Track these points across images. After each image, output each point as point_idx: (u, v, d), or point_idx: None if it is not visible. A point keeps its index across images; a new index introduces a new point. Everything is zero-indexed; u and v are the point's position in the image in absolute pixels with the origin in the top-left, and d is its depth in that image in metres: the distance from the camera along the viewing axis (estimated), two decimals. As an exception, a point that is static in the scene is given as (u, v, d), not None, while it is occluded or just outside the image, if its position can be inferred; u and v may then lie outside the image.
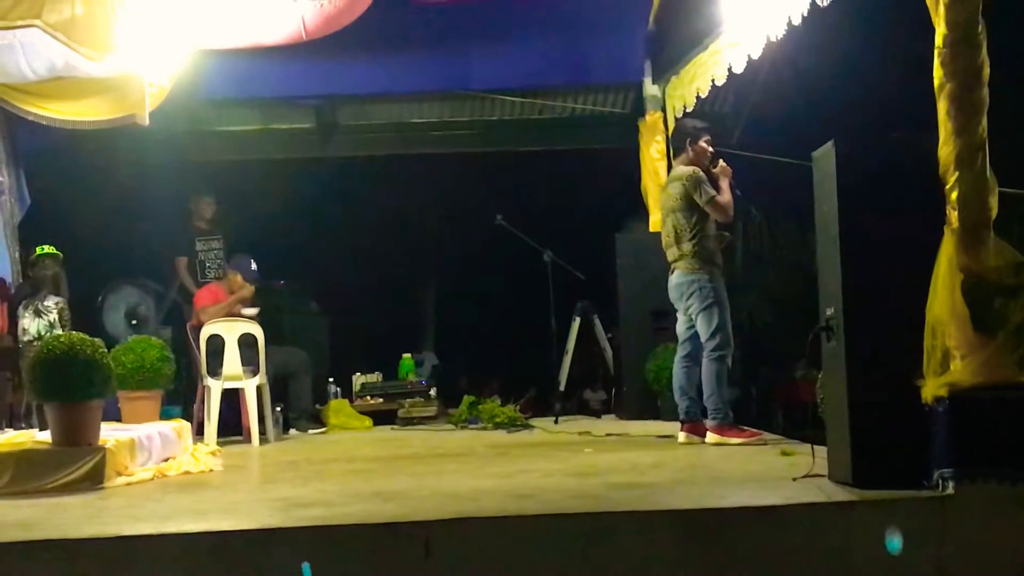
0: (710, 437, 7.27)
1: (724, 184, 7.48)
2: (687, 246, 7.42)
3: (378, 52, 9.73)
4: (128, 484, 6.11)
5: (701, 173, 7.42)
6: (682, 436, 7.45)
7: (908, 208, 4.73)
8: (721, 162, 7.59)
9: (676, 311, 7.62)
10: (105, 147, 9.77)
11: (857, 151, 4.88)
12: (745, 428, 7.47)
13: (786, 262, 15.79)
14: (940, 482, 4.53)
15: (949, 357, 4.52)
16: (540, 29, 10.02)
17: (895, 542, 4.32)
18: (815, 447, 5.36)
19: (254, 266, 9.39)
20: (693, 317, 7.42)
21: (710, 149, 7.62)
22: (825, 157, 4.98)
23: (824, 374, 5.24)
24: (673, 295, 7.55)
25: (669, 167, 9.89)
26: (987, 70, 4.55)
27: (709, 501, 4.90)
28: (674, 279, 7.52)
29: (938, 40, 4.60)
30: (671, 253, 7.54)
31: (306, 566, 4.19)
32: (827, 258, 5.02)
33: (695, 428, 7.39)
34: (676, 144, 7.77)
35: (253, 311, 9.14)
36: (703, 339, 7.36)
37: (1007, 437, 4.48)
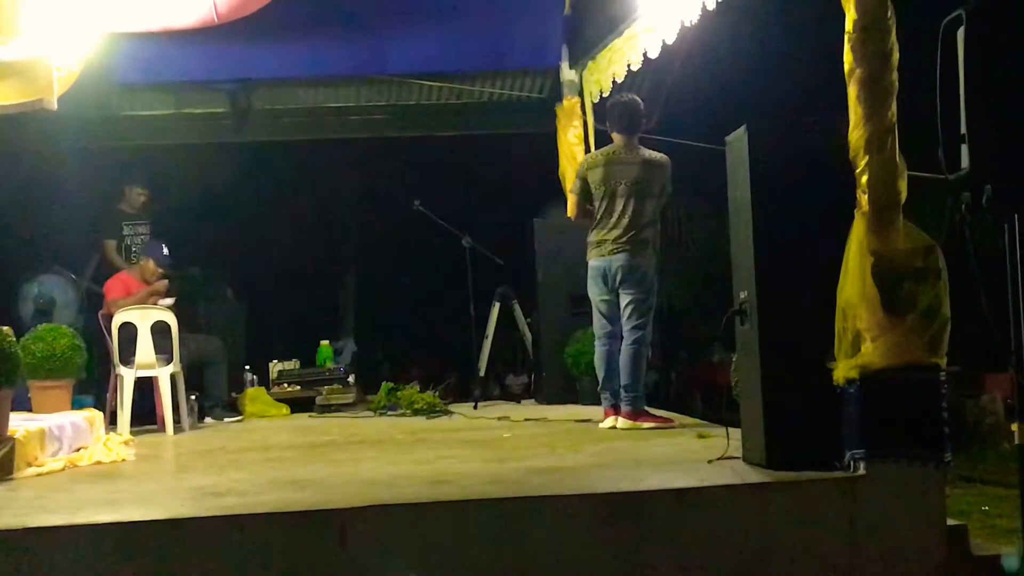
0: (622, 422, 7.28)
1: None
2: (649, 232, 7.36)
3: (292, 36, 9.61)
4: (38, 475, 5.99)
5: None
6: (611, 420, 7.44)
7: (820, 192, 4.78)
8: None
9: (608, 294, 7.49)
10: (11, 134, 9.56)
11: (769, 135, 4.94)
12: (657, 413, 7.51)
13: (702, 246, 15.95)
14: (851, 463, 4.59)
15: (860, 339, 4.57)
16: (457, 13, 9.96)
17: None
18: (730, 430, 5.41)
19: (166, 251, 9.27)
20: (628, 297, 7.35)
21: None
22: (738, 141, 5.02)
23: (738, 357, 5.28)
24: (610, 276, 7.38)
25: (587, 151, 9.93)
26: (896, 55, 4.60)
27: (625, 484, 4.92)
28: (619, 260, 7.33)
29: (848, 25, 4.64)
30: (627, 235, 7.33)
31: None
32: (740, 242, 5.06)
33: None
34: (632, 123, 7.54)
35: (169, 301, 9.02)
36: (630, 325, 7.33)
37: (917, 418, 4.55)
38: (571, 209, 7.75)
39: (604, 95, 9.36)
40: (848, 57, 4.65)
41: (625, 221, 7.35)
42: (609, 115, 7.71)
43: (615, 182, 7.42)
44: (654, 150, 7.59)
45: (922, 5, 5.18)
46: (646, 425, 7.21)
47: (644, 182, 7.37)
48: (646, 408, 7.38)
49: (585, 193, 7.59)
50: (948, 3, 4.05)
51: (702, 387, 16.74)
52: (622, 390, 7.32)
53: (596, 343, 7.63)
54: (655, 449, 6.19)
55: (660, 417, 7.43)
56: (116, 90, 10.18)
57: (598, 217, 7.49)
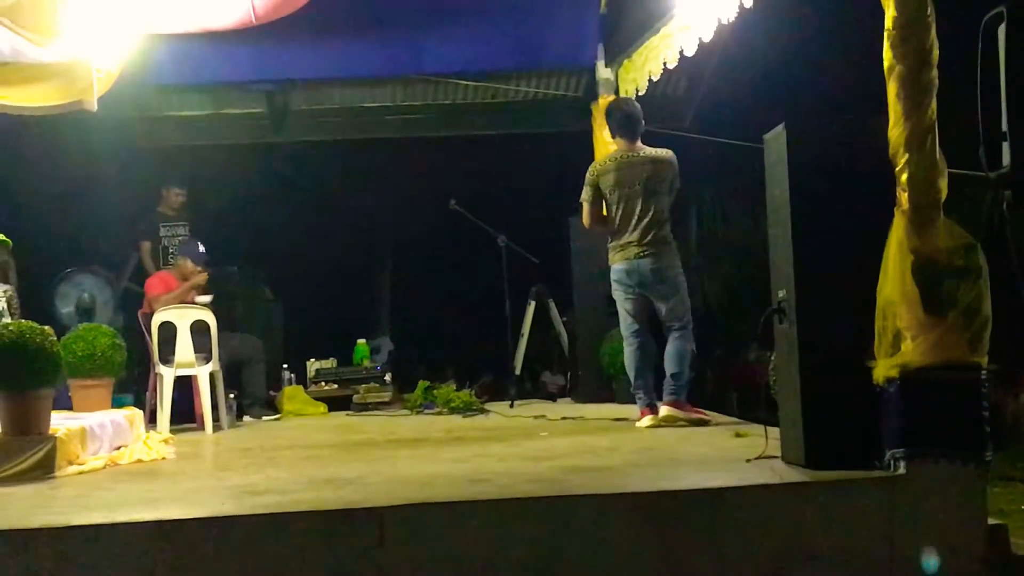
0: (665, 411, 7.34)
1: None
2: (667, 228, 7.49)
3: (330, 36, 9.65)
4: (79, 473, 6.04)
5: None
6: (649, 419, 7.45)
7: (859, 190, 4.76)
8: None
9: (634, 293, 7.54)
10: (53, 134, 9.64)
11: (808, 134, 4.91)
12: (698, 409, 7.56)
13: (739, 245, 15.89)
14: (891, 462, 4.56)
15: (900, 338, 4.55)
16: (493, 13, 9.98)
17: (931, 563, 4.38)
18: (768, 428, 5.38)
19: (202, 249, 9.32)
20: (664, 300, 7.45)
21: None
22: (776, 140, 5.00)
23: (776, 356, 5.25)
24: (649, 278, 7.45)
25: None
26: (936, 52, 4.57)
27: (663, 483, 4.91)
28: (649, 263, 7.42)
29: (888, 22, 4.62)
30: (649, 235, 7.41)
31: None
32: (779, 240, 5.03)
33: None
34: (635, 126, 7.64)
35: (207, 299, 9.07)
36: (678, 322, 7.44)
37: (957, 417, 4.51)
38: (585, 218, 7.75)
39: (640, 93, 9.35)
40: (888, 54, 4.62)
41: (645, 222, 7.43)
42: (609, 121, 7.84)
43: (628, 185, 7.49)
44: (658, 147, 7.66)
45: (963, 2, 5.15)
46: (682, 414, 7.31)
47: (656, 180, 7.47)
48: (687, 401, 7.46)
49: (598, 200, 7.64)
50: (988, 0, 4.03)
51: (738, 386, 16.68)
52: (670, 379, 7.38)
53: (625, 344, 7.64)
54: (693, 448, 6.17)
55: (699, 411, 7.49)
56: (155, 91, 10.25)
57: (617, 222, 7.54)
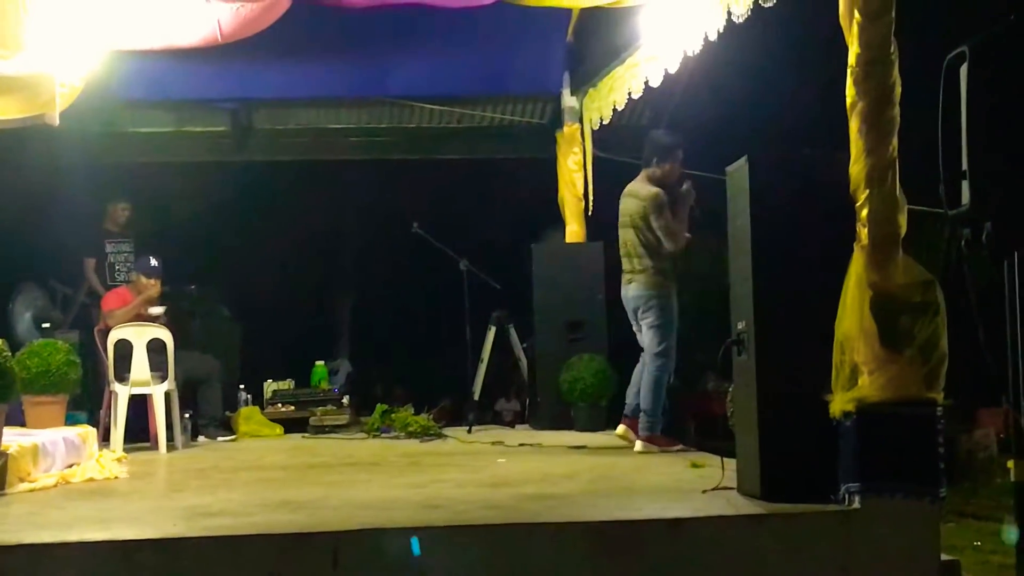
0: (638, 445, 7.45)
1: (681, 210, 7.57)
2: (646, 261, 7.53)
3: (295, 56, 9.63)
4: (31, 491, 5.99)
5: (664, 198, 7.48)
6: (621, 429, 7.66)
7: (819, 224, 4.80)
8: (686, 185, 7.65)
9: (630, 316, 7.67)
10: (14, 147, 9.55)
11: (770, 167, 4.95)
12: (669, 438, 7.59)
13: (699, 275, 15.91)
14: (846, 496, 4.58)
15: (857, 373, 4.57)
16: (460, 38, 9.97)
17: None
18: (725, 460, 5.40)
19: (154, 262, 9.18)
20: (644, 329, 7.56)
21: (680, 169, 7.70)
22: (739, 172, 5.03)
23: (735, 387, 5.28)
24: (628, 306, 7.64)
25: (586, 178, 10.00)
26: (899, 89, 4.62)
27: (619, 513, 4.92)
28: (631, 291, 7.60)
29: (851, 59, 4.66)
30: (627, 264, 7.62)
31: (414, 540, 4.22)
32: (739, 272, 5.06)
33: (636, 425, 7.57)
34: (645, 155, 7.70)
35: (159, 310, 8.98)
36: (649, 352, 7.53)
37: (912, 452, 4.54)
38: None
39: (604, 122, 9.41)
40: (850, 91, 4.66)
41: (628, 251, 7.62)
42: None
43: (621, 215, 7.70)
44: (645, 183, 7.65)
45: (926, 41, 5.20)
46: (656, 449, 7.38)
47: (631, 215, 7.60)
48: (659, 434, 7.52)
49: None
50: (951, 39, 4.06)
51: (696, 415, 16.68)
52: (642, 413, 7.48)
53: None
54: (650, 478, 6.18)
55: (671, 440, 7.57)
56: (118, 107, 10.20)
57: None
